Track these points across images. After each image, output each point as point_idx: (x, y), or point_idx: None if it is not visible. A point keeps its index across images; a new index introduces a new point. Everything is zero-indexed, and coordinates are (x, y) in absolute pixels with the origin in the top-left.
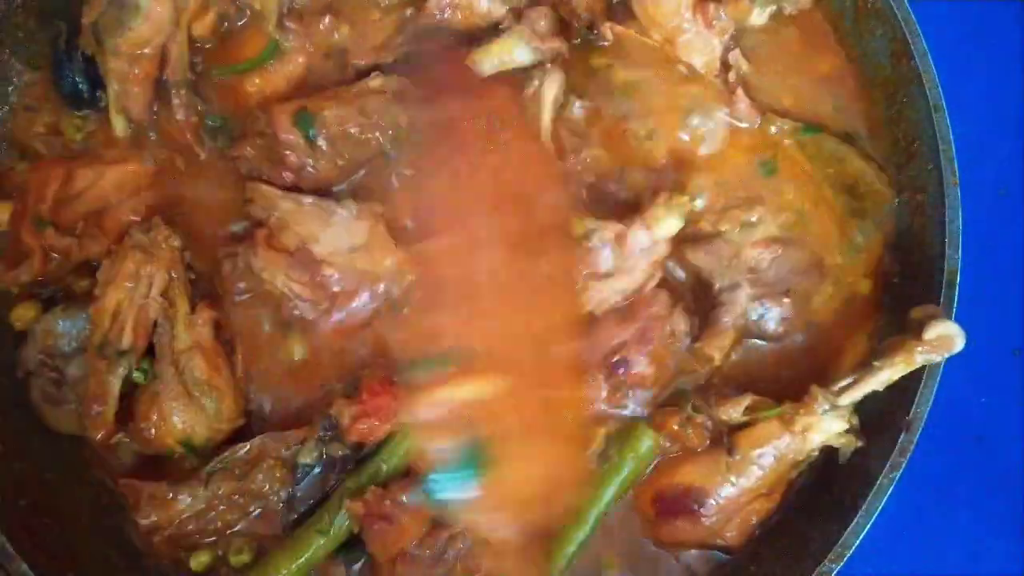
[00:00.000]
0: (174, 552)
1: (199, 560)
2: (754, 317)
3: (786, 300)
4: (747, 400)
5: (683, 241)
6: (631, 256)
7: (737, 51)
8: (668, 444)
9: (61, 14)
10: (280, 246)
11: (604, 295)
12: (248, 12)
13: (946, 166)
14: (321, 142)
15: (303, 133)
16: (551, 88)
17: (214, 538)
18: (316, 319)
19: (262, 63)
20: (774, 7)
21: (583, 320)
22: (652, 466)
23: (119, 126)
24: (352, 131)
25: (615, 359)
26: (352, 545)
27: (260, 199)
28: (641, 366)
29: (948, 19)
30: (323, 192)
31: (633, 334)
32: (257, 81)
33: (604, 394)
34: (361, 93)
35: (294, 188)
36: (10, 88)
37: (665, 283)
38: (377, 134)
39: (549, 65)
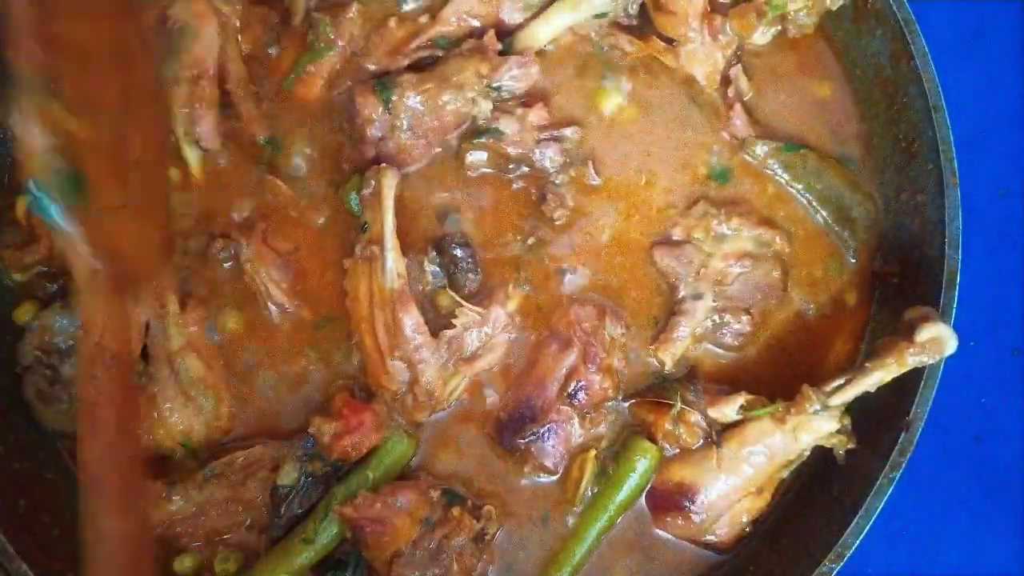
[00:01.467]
0: (160, 553)
1: (183, 564)
2: (711, 327)
3: (745, 317)
4: (741, 399)
5: (655, 244)
6: (494, 335)
7: (739, 67)
8: (666, 447)
9: None
10: (274, 244)
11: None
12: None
13: (946, 166)
14: (401, 111)
15: (382, 99)
16: (390, 188)
17: (201, 543)
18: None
19: (316, 55)
20: (778, 27)
21: None
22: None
23: (193, 159)
24: (440, 101)
25: (571, 388)
26: (340, 562)
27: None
28: (598, 383)
29: (948, 19)
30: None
31: (577, 356)
32: (301, 90)
33: (577, 426)
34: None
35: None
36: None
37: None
38: (459, 105)
39: (383, 165)
